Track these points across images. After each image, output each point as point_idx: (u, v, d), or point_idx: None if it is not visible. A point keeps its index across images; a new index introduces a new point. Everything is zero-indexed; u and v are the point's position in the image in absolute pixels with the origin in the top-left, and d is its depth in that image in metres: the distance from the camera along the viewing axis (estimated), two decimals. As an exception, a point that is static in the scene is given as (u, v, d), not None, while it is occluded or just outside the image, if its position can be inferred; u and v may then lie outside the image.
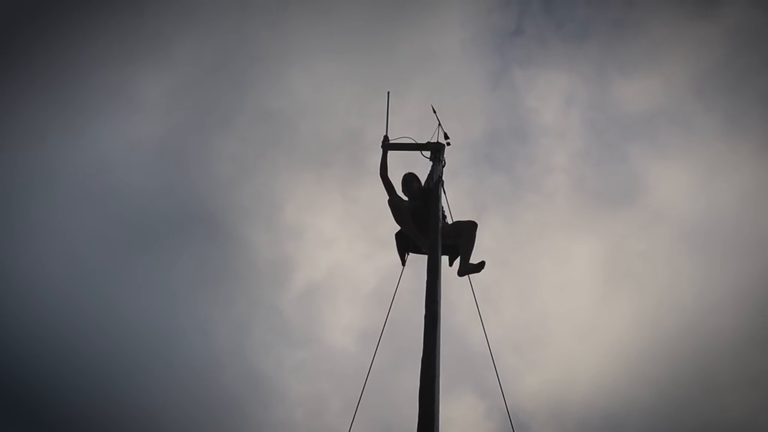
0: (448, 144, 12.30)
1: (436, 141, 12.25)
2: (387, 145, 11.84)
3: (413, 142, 12.21)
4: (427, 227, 11.20)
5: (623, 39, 30.44)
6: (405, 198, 11.79)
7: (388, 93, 12.22)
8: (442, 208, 11.60)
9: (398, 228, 11.69)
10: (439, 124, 12.32)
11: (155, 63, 29.99)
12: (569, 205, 29.22)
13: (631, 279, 29.28)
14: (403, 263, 11.61)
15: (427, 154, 12.31)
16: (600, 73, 30.58)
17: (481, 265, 11.34)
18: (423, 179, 12.00)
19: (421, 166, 12.32)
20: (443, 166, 12.08)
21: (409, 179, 11.80)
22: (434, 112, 12.32)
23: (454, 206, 12.12)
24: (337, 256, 28.80)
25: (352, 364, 25.08)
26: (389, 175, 11.94)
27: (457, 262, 11.52)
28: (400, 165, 12.10)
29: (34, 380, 26.61)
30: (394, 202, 11.59)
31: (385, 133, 12.04)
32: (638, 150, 29.79)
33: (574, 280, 28.61)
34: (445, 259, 11.29)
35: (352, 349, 25.25)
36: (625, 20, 30.15)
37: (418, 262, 11.31)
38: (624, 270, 29.32)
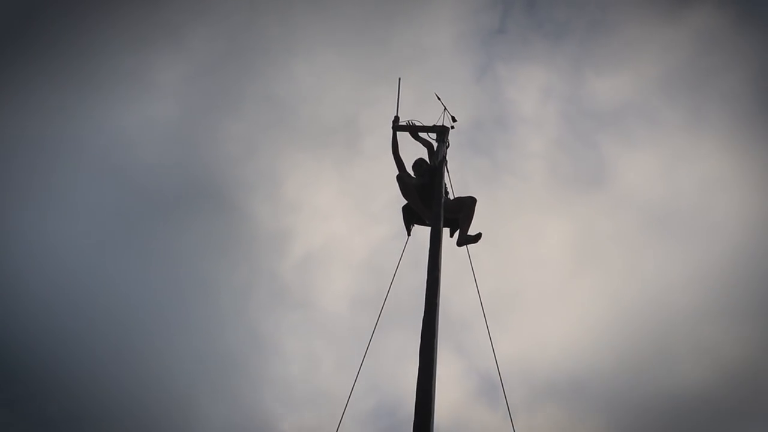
0: (453, 127, 12.41)
1: (441, 124, 12.29)
2: (396, 126, 11.89)
3: (421, 124, 12.23)
4: (431, 202, 11.38)
5: (597, 39, 30.46)
6: (413, 175, 11.85)
7: (399, 79, 12.26)
8: (445, 185, 11.71)
9: (405, 202, 11.78)
10: (445, 109, 12.38)
11: (170, 50, 29.77)
12: (544, 188, 29.24)
13: (597, 256, 29.46)
14: (409, 234, 11.66)
15: (433, 135, 12.31)
16: (575, 69, 30.59)
17: (478, 237, 11.56)
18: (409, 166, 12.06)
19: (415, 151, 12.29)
20: (447, 147, 12.12)
21: (421, 162, 11.83)
22: (438, 98, 12.38)
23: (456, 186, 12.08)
24: (332, 229, 28.70)
25: (344, 326, 25.28)
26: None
27: (457, 234, 11.68)
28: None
29: (54, 342, 26.63)
30: (402, 178, 11.63)
31: (396, 114, 12.11)
32: (608, 140, 29.84)
33: (546, 256, 28.63)
34: (446, 230, 11.33)
35: (345, 312, 25.33)
36: (600, 22, 30.13)
37: (419, 235, 11.52)
38: (591, 248, 29.47)
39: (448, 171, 11.94)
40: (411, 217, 11.73)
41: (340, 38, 29.82)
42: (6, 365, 26.27)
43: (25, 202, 27.80)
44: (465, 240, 11.54)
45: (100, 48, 29.26)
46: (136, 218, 28.58)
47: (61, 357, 26.86)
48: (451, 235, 11.66)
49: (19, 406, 26.43)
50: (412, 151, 12.10)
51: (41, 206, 27.97)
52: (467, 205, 11.65)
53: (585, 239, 29.79)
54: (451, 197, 11.75)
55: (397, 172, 11.87)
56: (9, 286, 26.86)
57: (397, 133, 12.06)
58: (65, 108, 28.62)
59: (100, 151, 28.46)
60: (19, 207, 27.58)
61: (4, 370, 26.20)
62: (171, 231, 28.73)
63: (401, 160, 11.85)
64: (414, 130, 12.12)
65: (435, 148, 12.05)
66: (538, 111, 30.14)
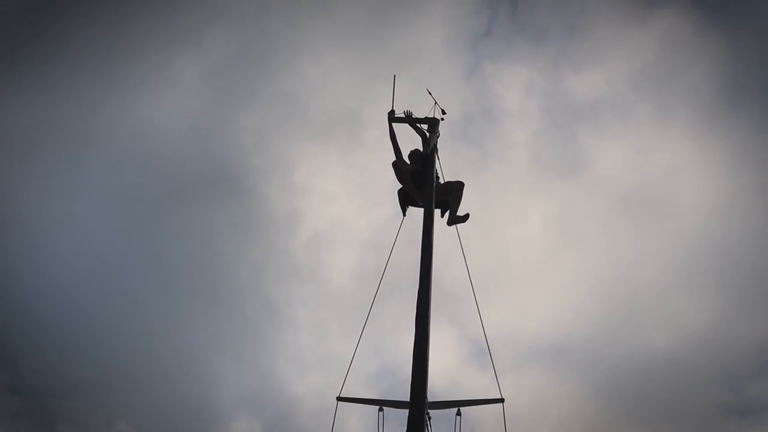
0: (443, 119, 12.34)
1: (432, 116, 12.25)
2: (392, 118, 11.88)
3: (411, 115, 12.21)
4: (423, 186, 11.45)
5: (574, 40, 30.68)
6: (407, 162, 11.83)
7: (394, 76, 12.21)
8: (436, 170, 11.70)
9: (400, 186, 11.79)
10: (436, 102, 12.28)
11: (189, 50, 30.01)
12: (527, 174, 29.54)
13: (575, 235, 29.82)
14: (404, 214, 11.70)
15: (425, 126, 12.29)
16: (554, 68, 30.94)
17: (466, 217, 11.79)
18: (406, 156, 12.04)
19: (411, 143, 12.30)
20: (437, 137, 12.08)
21: (415, 152, 11.81)
22: (430, 93, 12.30)
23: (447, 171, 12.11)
24: (338, 210, 28.95)
25: (348, 297, 25.37)
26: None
27: (447, 214, 11.85)
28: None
29: (84, 312, 26.83)
30: (397, 164, 11.65)
31: (391, 108, 12.06)
32: (584, 131, 30.14)
33: (529, 234, 28.99)
34: (437, 211, 11.40)
35: (349, 285, 25.52)
36: (576, 25, 30.35)
37: (412, 217, 11.68)
38: (570, 228, 29.82)
39: (438, 158, 11.91)
40: (406, 199, 11.74)
41: (343, 40, 30.10)
42: (40, 334, 26.39)
43: (60, 185, 28.20)
44: (454, 220, 11.69)
45: (128, 48, 29.59)
46: (160, 200, 28.96)
47: (92, 326, 27.14)
48: (442, 216, 11.71)
49: (52, 372, 26.64)
50: (408, 142, 12.12)
51: (75, 188, 28.37)
52: (456, 188, 11.76)
53: (564, 220, 30.15)
54: (442, 181, 11.75)
55: (394, 162, 11.87)
56: (44, 261, 27.23)
57: (393, 124, 12.02)
58: (97, 101, 28.98)
59: (127, 140, 28.83)
60: (55, 189, 27.94)
61: (38, 339, 26.30)
62: (191, 212, 29.02)
63: (398, 146, 11.85)
64: (407, 121, 12.07)
65: (428, 138, 12.05)
66: (521, 105, 30.51)
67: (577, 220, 29.71)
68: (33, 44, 28.46)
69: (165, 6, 29.82)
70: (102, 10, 29.44)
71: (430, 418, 9.39)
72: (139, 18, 29.61)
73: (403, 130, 12.15)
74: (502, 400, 10.08)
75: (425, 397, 9.20)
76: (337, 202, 29.05)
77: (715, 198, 28.47)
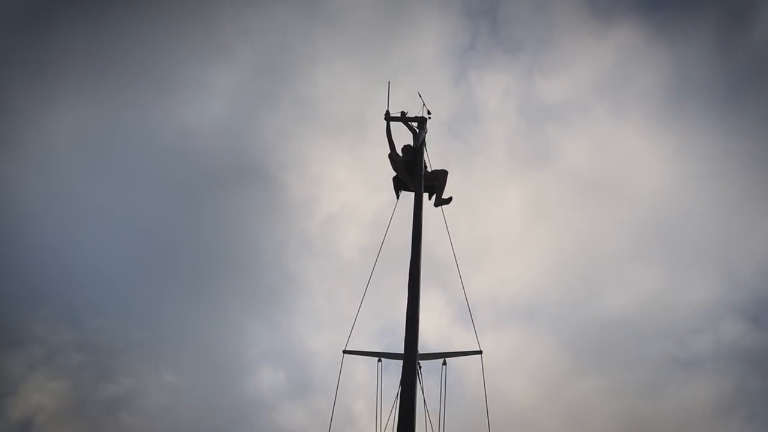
0: (430, 117, 12.25)
1: (421, 115, 12.17)
2: (388, 117, 11.84)
3: (405, 115, 12.12)
4: (414, 174, 11.43)
5: (544, 52, 30.66)
6: (400, 155, 11.79)
7: (389, 83, 12.15)
8: (425, 161, 11.70)
9: (394, 174, 11.74)
10: (424, 104, 12.21)
11: (224, 63, 30.06)
12: (505, 164, 29.82)
13: (545, 215, 30.24)
14: (398, 197, 11.65)
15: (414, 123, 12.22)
16: (528, 75, 31.10)
17: (449, 200, 11.80)
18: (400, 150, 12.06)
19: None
20: (425, 133, 12.03)
21: (408, 146, 11.76)
22: (420, 96, 12.26)
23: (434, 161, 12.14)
24: (346, 196, 29.29)
25: (354, 268, 25.34)
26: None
27: (434, 198, 11.82)
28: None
29: (135, 280, 27.35)
30: (392, 156, 11.64)
31: (386, 109, 11.96)
32: (552, 128, 30.40)
33: (508, 215, 29.28)
34: (425, 195, 11.32)
35: (355, 257, 25.49)
36: (546, 39, 30.45)
37: (405, 200, 11.52)
38: (541, 209, 30.20)
39: (426, 151, 11.88)
40: (400, 185, 11.70)
41: (349, 53, 30.25)
42: (102, 300, 26.87)
43: (120, 176, 28.47)
44: (440, 202, 11.71)
45: (173, 62, 29.86)
46: (198, 188, 29.35)
47: (145, 293, 27.65)
48: (430, 198, 11.72)
49: (111, 332, 27.11)
50: (402, 138, 12.05)
51: (131, 179, 28.63)
52: (441, 176, 11.78)
53: (536, 202, 30.54)
54: (429, 170, 11.74)
55: (389, 154, 11.82)
56: (107, 239, 27.68)
57: (390, 123, 11.95)
58: (148, 106, 29.31)
59: (173, 138, 29.06)
60: (115, 179, 28.23)
61: (100, 304, 26.72)
62: (226, 199, 29.36)
63: (393, 141, 11.78)
64: (401, 120, 12.00)
65: (417, 134, 12.01)
66: (499, 107, 30.78)
67: (547, 203, 30.05)
68: (98, 61, 28.74)
69: (204, 27, 29.96)
70: (153, 31, 29.52)
71: (420, 367, 9.40)
72: (183, 37, 29.69)
73: (398, 128, 12.12)
74: (480, 352, 10.02)
75: (416, 349, 9.18)
76: (345, 190, 29.30)
77: (662, 183, 28.60)
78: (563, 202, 29.44)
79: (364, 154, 26.38)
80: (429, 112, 12.15)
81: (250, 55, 29.66)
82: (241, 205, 28.45)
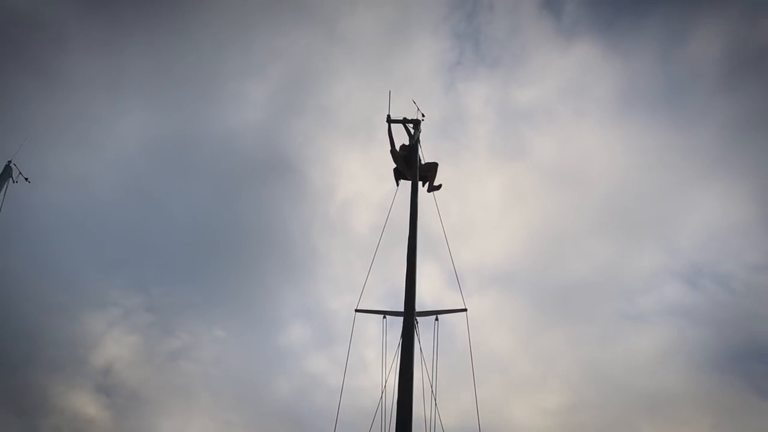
0: (423, 120, 12.22)
1: (416, 118, 12.16)
2: (389, 120, 11.86)
3: (404, 118, 12.13)
4: (411, 166, 11.50)
5: (519, 66, 31.11)
6: (399, 150, 11.79)
7: (390, 92, 12.19)
8: (419, 155, 11.75)
9: (395, 166, 11.73)
10: (418, 109, 12.27)
11: (259, 77, 30.75)
12: (486, 158, 30.34)
13: (520, 198, 30.75)
14: (398, 185, 11.66)
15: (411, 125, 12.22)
16: (505, 85, 31.52)
17: (440, 186, 11.80)
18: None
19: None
20: (420, 133, 12.06)
21: (405, 145, 11.78)
22: (415, 103, 12.33)
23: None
24: (358, 185, 30.04)
25: (365, 242, 25.83)
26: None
27: (427, 185, 11.77)
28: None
29: (186, 252, 27.98)
30: (393, 151, 11.71)
31: (388, 113, 11.93)
32: (526, 127, 30.93)
33: (489, 199, 29.89)
34: (420, 183, 11.41)
35: (366, 234, 25.91)
36: (520, 56, 31.15)
37: (404, 187, 11.58)
38: (516, 193, 30.91)
39: (420, 147, 11.93)
40: (399, 175, 11.70)
41: (359, 69, 31.08)
42: (165, 270, 27.96)
43: (177, 171, 29.45)
44: (432, 188, 11.74)
45: (219, 77, 30.55)
46: (241, 180, 30.11)
47: (199, 264, 28.72)
48: (423, 185, 11.71)
49: (173, 296, 27.96)
50: (402, 137, 12.11)
51: (186, 173, 29.80)
52: (432, 167, 11.78)
53: (512, 188, 31.09)
54: (423, 163, 11.78)
55: (389, 149, 11.82)
56: (167, 221, 28.75)
57: (391, 124, 11.95)
58: (198, 115, 30.24)
59: (219, 140, 29.81)
60: (174, 173, 29.37)
61: (164, 273, 27.78)
62: (261, 188, 30.02)
63: (393, 140, 11.83)
64: (400, 122, 12.03)
65: (413, 133, 12.05)
66: (482, 111, 31.21)
67: (521, 188, 30.70)
68: (161, 79, 29.61)
69: (244, 51, 30.76)
70: (204, 53, 30.34)
71: (417, 323, 9.55)
72: (227, 59, 30.50)
73: (398, 129, 12.21)
74: (465, 310, 10.08)
75: (414, 308, 9.51)
76: (357, 179, 29.88)
77: (614, 172, 29.30)
78: (534, 188, 30.08)
79: (372, 151, 27.21)
80: (423, 115, 12.17)
81: (281, 73, 30.75)
82: (274, 192, 29.61)
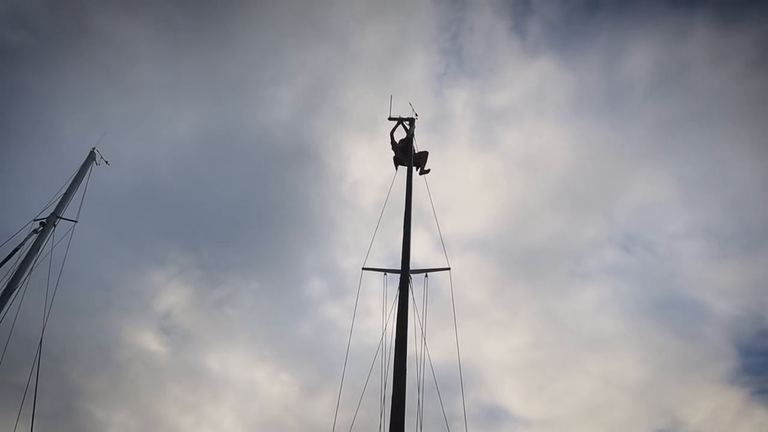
0: (416, 118, 12.39)
1: (411, 117, 12.34)
2: (390, 119, 12.09)
3: (401, 117, 12.29)
4: (407, 154, 11.73)
5: (492, 77, 31.25)
6: (397, 142, 12.02)
7: (391, 96, 12.47)
8: (413, 146, 11.97)
9: (394, 155, 11.94)
10: (413, 109, 12.45)
11: (287, 83, 30.87)
12: (466, 148, 30.58)
13: (493, 180, 30.91)
14: (396, 170, 11.84)
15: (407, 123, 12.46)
16: (481, 91, 31.67)
17: (429, 170, 12.02)
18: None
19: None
20: (414, 128, 12.26)
21: (403, 139, 11.97)
22: (410, 105, 12.54)
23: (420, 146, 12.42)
24: (365, 169, 29.93)
25: (371, 215, 25.99)
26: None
27: (419, 169, 11.98)
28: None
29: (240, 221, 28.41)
30: (393, 143, 11.97)
31: (389, 114, 12.18)
32: (498, 125, 31.13)
33: (468, 181, 30.17)
34: (414, 168, 11.63)
35: (371, 209, 26.17)
36: (493, 67, 31.15)
37: (401, 171, 11.74)
38: (490, 176, 30.94)
39: (414, 139, 12.15)
40: (398, 162, 11.93)
41: (367, 77, 31.03)
42: (213, 234, 28.21)
43: (219, 159, 29.52)
44: (423, 172, 11.98)
45: (257, 82, 30.52)
46: (272, 167, 30.35)
47: (239, 231, 28.83)
48: (416, 169, 11.92)
49: (219, 256, 28.47)
50: (400, 133, 12.28)
51: (226, 160, 29.69)
52: (424, 155, 12.03)
53: (487, 173, 31.28)
54: (416, 152, 12.01)
55: (390, 141, 12.07)
56: (216, 199, 28.72)
57: (392, 122, 12.17)
58: (240, 111, 30.22)
59: (255, 132, 29.99)
60: (217, 161, 29.35)
61: (212, 236, 28.11)
62: (287, 173, 30.29)
63: (393, 134, 12.05)
64: (398, 119, 12.22)
65: (408, 129, 12.26)
66: (463, 111, 31.25)
67: (494, 173, 31.10)
68: (211, 84, 29.71)
69: (276, 62, 30.51)
70: (245, 64, 30.27)
71: (411, 279, 9.77)
72: (261, 67, 30.46)
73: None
74: (449, 269, 10.26)
75: (408, 267, 9.80)
76: (365, 165, 30.04)
77: (567, 160, 29.64)
78: (504, 173, 30.78)
79: (376, 143, 27.40)
80: (416, 115, 12.39)
81: (304, 80, 30.86)
82: (298, 175, 29.93)
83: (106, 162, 14.02)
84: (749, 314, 25.51)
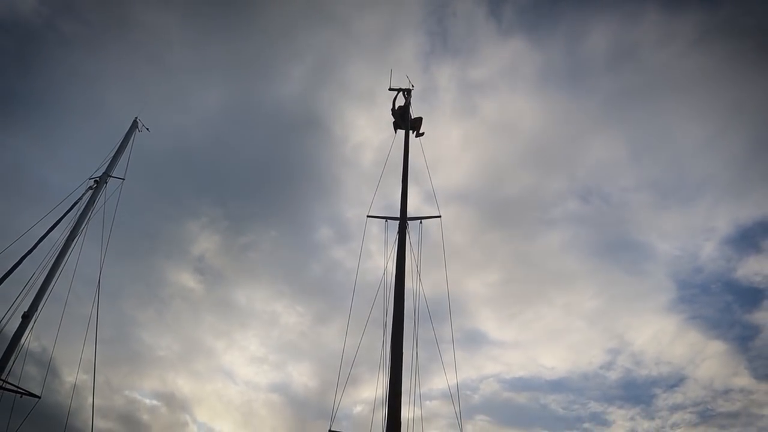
0: (413, 88, 13.22)
1: (408, 87, 13.12)
2: (390, 89, 12.95)
3: (400, 87, 13.04)
4: (404, 119, 12.72)
5: (472, 54, 33.20)
6: (396, 109, 12.97)
7: (391, 70, 13.33)
8: (410, 112, 12.88)
9: (393, 120, 12.87)
10: (410, 81, 13.26)
11: (298, 61, 32.37)
12: (451, 116, 31.95)
13: (473, 142, 32.84)
14: (395, 133, 12.74)
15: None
16: (463, 67, 33.41)
17: (423, 133, 12.98)
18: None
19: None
20: (410, 97, 13.11)
21: (401, 106, 12.82)
22: (408, 78, 13.35)
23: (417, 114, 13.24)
24: (366, 133, 31.55)
25: (372, 171, 28.26)
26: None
27: (415, 132, 12.91)
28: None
29: (261, 180, 30.39)
30: (393, 109, 12.94)
31: (390, 85, 13.02)
32: (477, 95, 32.99)
33: (453, 143, 31.48)
34: (411, 132, 12.67)
35: (372, 166, 28.07)
36: (474, 47, 33.21)
37: (399, 134, 12.67)
38: (470, 139, 32.76)
39: (410, 106, 13.00)
40: (396, 126, 12.82)
41: (367, 54, 32.49)
42: (237, 190, 31.02)
43: (243, 124, 31.73)
44: (418, 135, 12.92)
45: (272, 60, 32.36)
46: (285, 132, 32.17)
47: (259, 188, 31.48)
48: (413, 132, 12.73)
49: (243, 208, 31.08)
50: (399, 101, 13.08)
51: (246, 128, 31.81)
52: (419, 120, 12.94)
53: (468, 135, 32.91)
54: (412, 117, 12.87)
55: (391, 108, 12.99)
56: (236, 159, 31.02)
57: (392, 92, 12.96)
58: (258, 86, 32.29)
59: (271, 104, 32.15)
60: (240, 130, 31.56)
61: (237, 191, 30.98)
62: (298, 137, 32.31)
63: (394, 102, 12.88)
64: (397, 90, 12.98)
65: (406, 97, 13.09)
66: (447, 84, 32.76)
67: (474, 136, 33.05)
68: (235, 63, 31.67)
69: (288, 42, 32.36)
70: (261, 45, 32.05)
71: (408, 225, 10.73)
72: (276, 47, 32.27)
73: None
74: (440, 216, 11.14)
75: (406, 215, 10.81)
76: (364, 130, 32.00)
77: (536, 124, 31.84)
78: (482, 136, 33.17)
79: (374, 111, 29.71)
80: (413, 86, 13.22)
81: (313, 58, 32.93)
82: (308, 139, 32.28)
83: (147, 129, 15.26)
84: (686, 254, 29.63)
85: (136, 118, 15.09)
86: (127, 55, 29.14)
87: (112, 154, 14.52)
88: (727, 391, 25.24)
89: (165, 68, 30.25)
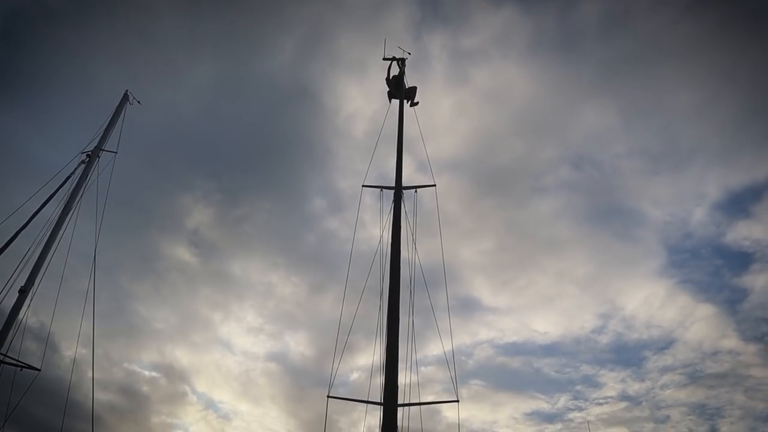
0: (409, 57, 13.11)
1: (402, 57, 12.98)
2: (385, 59, 12.82)
3: (395, 57, 12.89)
4: (399, 89, 12.64)
5: (464, 23, 32.53)
6: (391, 78, 12.86)
7: (385, 40, 13.17)
8: (404, 81, 12.82)
9: (388, 89, 12.77)
10: (404, 51, 13.11)
11: (289, 34, 31.82)
12: (443, 85, 31.58)
13: (465, 111, 32.43)
14: (390, 102, 12.67)
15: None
16: (453, 37, 32.49)
17: (417, 103, 12.84)
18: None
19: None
20: (405, 66, 12.96)
21: (396, 75, 12.73)
22: (401, 48, 13.14)
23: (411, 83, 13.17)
24: (358, 103, 31.19)
25: (365, 140, 27.47)
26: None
27: (409, 102, 12.83)
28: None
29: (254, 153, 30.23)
30: (388, 79, 12.85)
31: (384, 54, 12.87)
32: (469, 64, 32.63)
33: (445, 111, 31.14)
34: (404, 101, 12.58)
35: (364, 136, 27.82)
36: (465, 17, 32.46)
37: (394, 104, 12.57)
38: (461, 108, 32.34)
39: (405, 76, 12.94)
40: (391, 95, 12.74)
41: (361, 24, 31.94)
42: (231, 163, 30.76)
43: (239, 95, 31.08)
44: (413, 104, 12.84)
45: (266, 33, 31.76)
46: (276, 104, 31.50)
47: (253, 160, 31.05)
48: (407, 101, 12.63)
49: (236, 180, 30.63)
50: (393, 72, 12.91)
51: (239, 98, 31.31)
52: (413, 89, 12.89)
53: (459, 105, 32.58)
54: (407, 86, 12.84)
55: (385, 77, 12.91)
56: (230, 130, 30.71)
57: (388, 62, 12.83)
58: (253, 57, 31.90)
59: (265, 76, 31.72)
60: (236, 96, 30.99)
61: (231, 164, 30.71)
62: (294, 107, 31.65)
63: (389, 72, 12.79)
64: (391, 59, 12.89)
65: (400, 66, 12.95)
66: (439, 54, 32.16)
67: (465, 105, 32.74)
68: (223, 35, 30.90)
69: (280, 15, 31.79)
70: (256, 21, 31.24)
71: (402, 195, 10.65)
72: (267, 20, 31.64)
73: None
74: (434, 185, 11.07)
75: (401, 184, 10.76)
76: (355, 101, 31.64)
77: (527, 93, 31.60)
78: (473, 105, 32.83)
79: (365, 82, 29.49)
80: (409, 54, 13.15)
81: (304, 30, 32.41)
82: (300, 111, 31.65)
83: (138, 102, 15.01)
84: (676, 219, 29.54)
85: (127, 90, 14.95)
86: (116, 28, 28.57)
87: (104, 128, 14.31)
88: (715, 353, 25.69)
89: (155, 41, 29.82)
